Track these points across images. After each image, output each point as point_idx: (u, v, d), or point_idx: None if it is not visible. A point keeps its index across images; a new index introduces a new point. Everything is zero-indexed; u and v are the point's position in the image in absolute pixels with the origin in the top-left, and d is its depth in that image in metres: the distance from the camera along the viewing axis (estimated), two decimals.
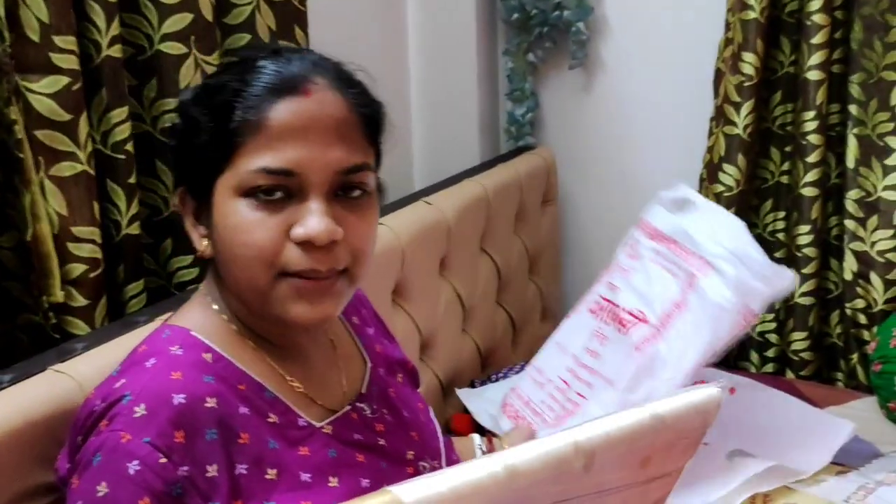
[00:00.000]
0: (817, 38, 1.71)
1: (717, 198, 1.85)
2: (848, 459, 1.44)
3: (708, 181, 1.87)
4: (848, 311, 1.81)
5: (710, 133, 1.87)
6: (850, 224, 1.78)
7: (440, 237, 1.66)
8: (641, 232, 1.57)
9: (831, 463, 1.41)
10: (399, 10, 2.03)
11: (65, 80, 1.10)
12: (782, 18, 1.78)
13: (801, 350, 1.85)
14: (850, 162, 1.76)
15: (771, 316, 1.87)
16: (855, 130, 1.74)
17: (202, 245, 0.87)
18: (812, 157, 1.77)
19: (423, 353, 1.65)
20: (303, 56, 0.86)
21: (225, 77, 0.85)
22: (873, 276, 1.76)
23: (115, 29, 1.17)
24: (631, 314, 1.48)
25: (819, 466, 1.41)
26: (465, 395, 1.70)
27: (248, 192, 0.81)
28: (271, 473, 0.82)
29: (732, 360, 1.89)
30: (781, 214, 1.89)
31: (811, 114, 1.74)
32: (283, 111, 0.81)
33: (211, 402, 0.80)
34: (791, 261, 1.85)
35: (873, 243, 1.76)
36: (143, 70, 1.25)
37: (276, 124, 0.81)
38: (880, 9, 1.68)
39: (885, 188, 1.74)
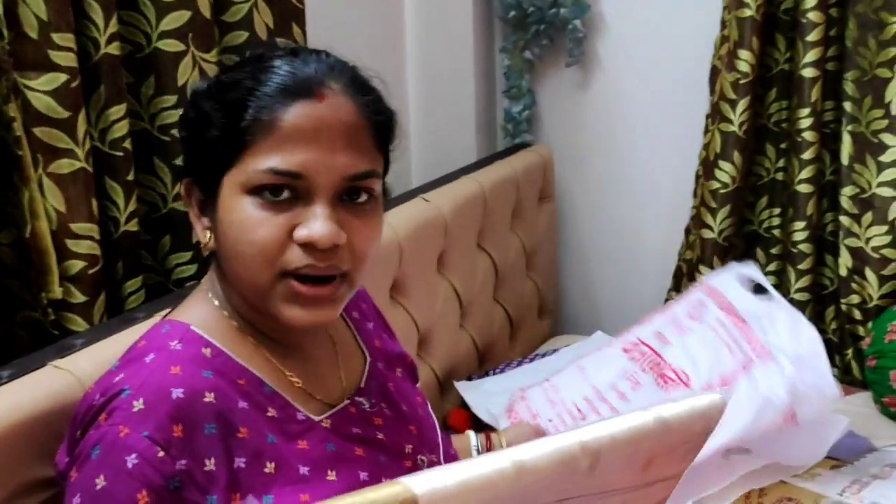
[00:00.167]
0: (812, 36, 1.71)
1: (713, 194, 1.85)
2: (842, 454, 1.45)
3: (704, 178, 1.88)
4: (843, 307, 1.82)
5: (706, 130, 1.88)
6: (844, 220, 1.79)
7: (437, 234, 1.67)
8: (711, 299, 1.52)
9: (826, 457, 1.42)
10: (396, 8, 2.03)
11: (63, 77, 1.10)
12: (778, 16, 1.79)
13: None
14: (845, 159, 1.76)
15: None
16: (849, 127, 1.75)
17: (205, 237, 0.87)
18: (807, 154, 1.78)
19: (421, 348, 1.66)
20: (319, 59, 0.85)
21: (239, 74, 0.85)
22: (868, 272, 1.77)
23: (113, 26, 1.17)
24: (675, 373, 1.45)
25: (814, 461, 1.41)
26: (463, 388, 1.71)
27: (255, 191, 0.81)
28: (270, 467, 0.82)
29: None
30: (777, 211, 1.90)
31: (806, 111, 1.75)
32: (295, 114, 0.81)
33: (210, 397, 0.81)
34: (786, 257, 1.86)
35: (868, 239, 1.77)
36: (141, 67, 1.25)
37: (287, 126, 0.81)
38: (874, 6, 1.69)
39: (880, 185, 1.75)
